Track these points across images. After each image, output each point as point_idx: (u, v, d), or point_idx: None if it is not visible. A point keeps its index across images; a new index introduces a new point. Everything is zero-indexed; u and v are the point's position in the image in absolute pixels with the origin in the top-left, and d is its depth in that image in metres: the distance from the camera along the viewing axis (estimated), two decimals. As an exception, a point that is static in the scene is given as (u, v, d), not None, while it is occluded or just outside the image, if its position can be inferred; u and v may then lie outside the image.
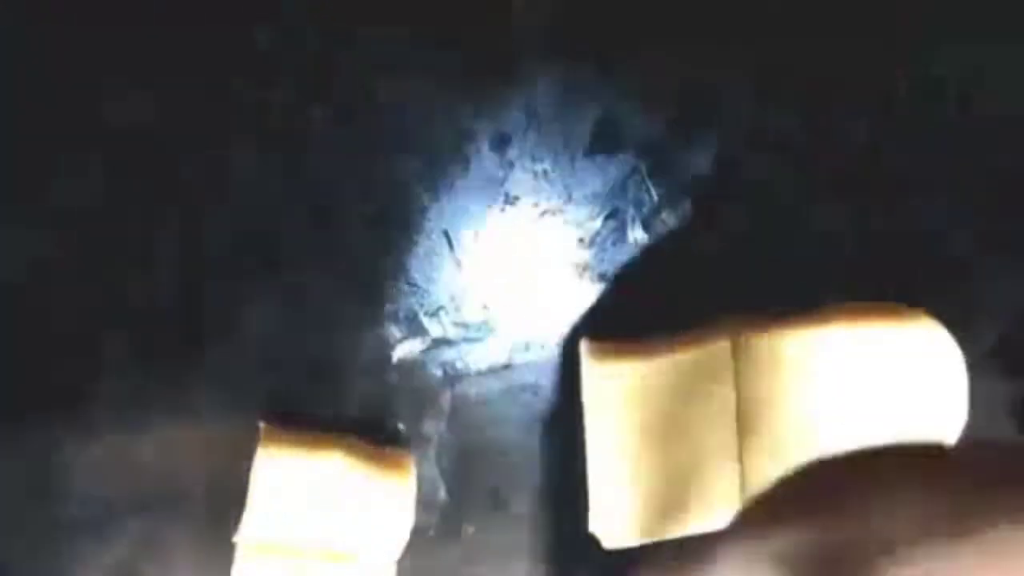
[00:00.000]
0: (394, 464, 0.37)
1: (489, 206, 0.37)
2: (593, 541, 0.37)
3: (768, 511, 0.22)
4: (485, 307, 0.38)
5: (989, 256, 0.40)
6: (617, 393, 0.36)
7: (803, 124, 0.38)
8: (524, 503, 0.39)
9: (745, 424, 0.36)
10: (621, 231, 0.38)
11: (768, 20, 0.37)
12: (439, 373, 0.38)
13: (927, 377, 0.36)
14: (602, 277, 0.38)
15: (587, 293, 0.38)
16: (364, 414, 0.38)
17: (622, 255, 0.38)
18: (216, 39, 0.35)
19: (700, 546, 0.23)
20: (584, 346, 0.37)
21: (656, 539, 0.37)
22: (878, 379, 0.36)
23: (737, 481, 0.36)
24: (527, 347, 0.38)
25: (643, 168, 0.37)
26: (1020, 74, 0.39)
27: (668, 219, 0.38)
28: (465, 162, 0.36)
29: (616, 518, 0.37)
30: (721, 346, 0.36)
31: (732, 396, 0.36)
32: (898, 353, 0.36)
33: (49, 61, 0.34)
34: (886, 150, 0.39)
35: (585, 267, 0.38)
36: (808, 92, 0.38)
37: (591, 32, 0.36)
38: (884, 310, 0.36)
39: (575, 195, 0.37)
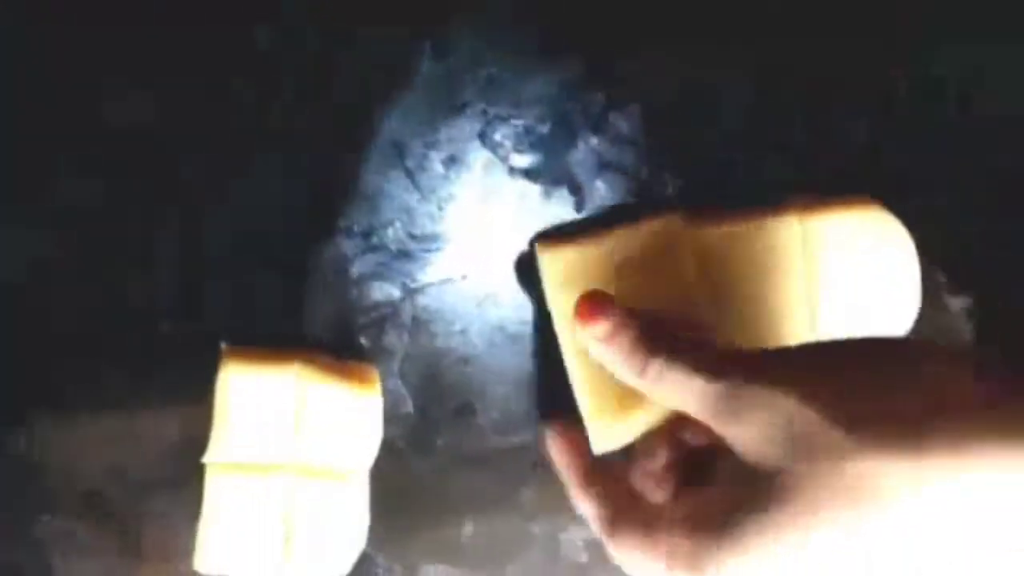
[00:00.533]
0: (359, 376, 0.37)
1: (438, 115, 0.36)
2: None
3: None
4: (439, 217, 0.37)
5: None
6: (576, 283, 0.35)
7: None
8: (490, 411, 0.39)
9: (708, 303, 0.36)
10: (571, 135, 0.37)
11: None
12: (398, 286, 0.38)
13: (880, 265, 0.37)
14: (554, 181, 0.38)
15: (541, 198, 0.38)
16: (326, 331, 0.38)
17: (574, 159, 0.38)
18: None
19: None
20: (538, 247, 0.37)
21: (640, 435, 0.36)
22: (833, 269, 0.37)
23: None
24: (484, 256, 0.38)
25: (592, 70, 0.37)
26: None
27: (617, 121, 0.37)
28: (411, 70, 0.36)
29: (601, 422, 0.36)
30: (676, 231, 0.36)
31: (691, 272, 0.36)
32: (851, 242, 0.37)
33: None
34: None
35: (537, 173, 0.38)
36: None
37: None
38: (837, 202, 0.37)
39: (523, 99, 0.37)
